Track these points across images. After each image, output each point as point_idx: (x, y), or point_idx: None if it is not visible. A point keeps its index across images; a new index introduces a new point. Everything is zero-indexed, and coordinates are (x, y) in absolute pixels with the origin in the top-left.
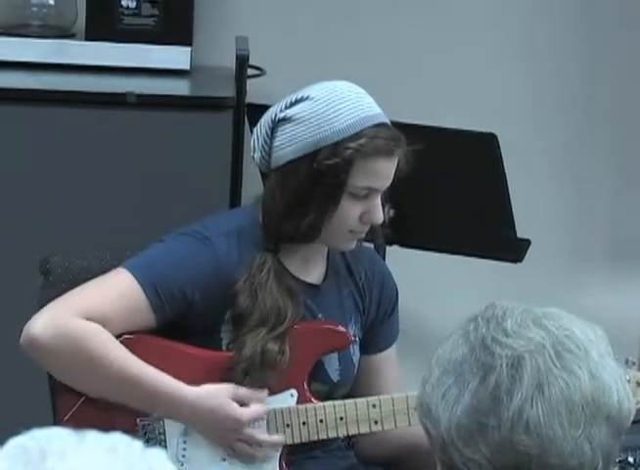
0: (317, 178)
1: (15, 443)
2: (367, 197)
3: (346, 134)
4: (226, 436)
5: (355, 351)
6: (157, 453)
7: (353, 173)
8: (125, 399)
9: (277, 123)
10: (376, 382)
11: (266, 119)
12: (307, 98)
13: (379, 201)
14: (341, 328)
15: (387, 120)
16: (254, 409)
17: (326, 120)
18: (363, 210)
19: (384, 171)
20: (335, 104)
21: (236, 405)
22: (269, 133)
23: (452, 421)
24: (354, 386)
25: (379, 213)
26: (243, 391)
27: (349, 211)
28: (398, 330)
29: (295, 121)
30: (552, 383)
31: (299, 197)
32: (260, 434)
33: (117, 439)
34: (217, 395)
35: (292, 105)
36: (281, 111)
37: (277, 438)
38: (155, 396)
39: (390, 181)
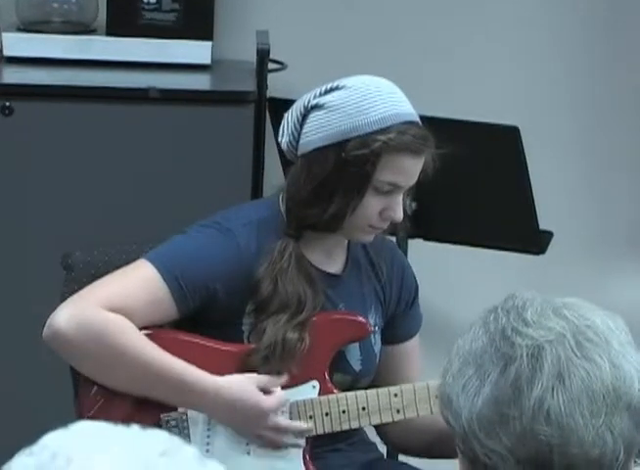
0: (344, 168)
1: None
2: (390, 193)
3: (377, 127)
4: (252, 425)
5: (377, 340)
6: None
7: (380, 167)
8: (150, 391)
9: (309, 110)
10: (398, 372)
11: (299, 105)
12: (343, 87)
13: (400, 199)
14: (361, 318)
15: (418, 120)
16: (277, 396)
17: (358, 111)
18: (384, 205)
19: (409, 169)
20: (369, 96)
21: (261, 394)
22: (300, 119)
23: (473, 412)
24: (377, 376)
25: (399, 211)
26: (264, 378)
27: (371, 206)
28: (421, 321)
29: (327, 109)
30: (573, 372)
31: (324, 185)
32: (284, 420)
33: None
34: (242, 384)
35: (326, 92)
36: (315, 97)
37: (301, 424)
38: (180, 387)
39: (415, 180)
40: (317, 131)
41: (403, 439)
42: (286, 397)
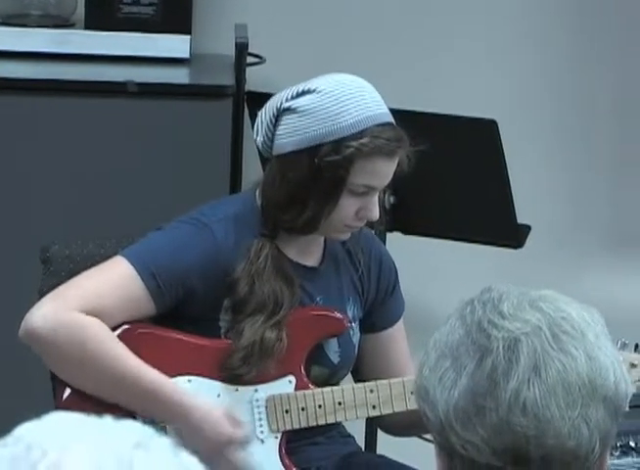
0: (318, 173)
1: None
2: (364, 194)
3: (350, 132)
4: (212, 449)
5: (356, 331)
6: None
7: (353, 171)
8: (119, 397)
9: (282, 112)
10: (387, 358)
11: (271, 106)
12: (314, 91)
13: (376, 198)
14: (337, 314)
15: (392, 120)
16: (243, 434)
17: (330, 116)
18: (360, 206)
19: (383, 171)
20: (341, 100)
21: (228, 425)
22: (273, 121)
23: (450, 404)
24: (366, 364)
25: (375, 210)
26: (235, 416)
27: (346, 207)
28: (403, 306)
29: (299, 113)
30: (548, 364)
31: (299, 190)
32: (243, 458)
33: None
34: (214, 410)
35: (298, 96)
36: (287, 100)
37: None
38: (149, 397)
39: (389, 180)
40: (290, 135)
41: (395, 425)
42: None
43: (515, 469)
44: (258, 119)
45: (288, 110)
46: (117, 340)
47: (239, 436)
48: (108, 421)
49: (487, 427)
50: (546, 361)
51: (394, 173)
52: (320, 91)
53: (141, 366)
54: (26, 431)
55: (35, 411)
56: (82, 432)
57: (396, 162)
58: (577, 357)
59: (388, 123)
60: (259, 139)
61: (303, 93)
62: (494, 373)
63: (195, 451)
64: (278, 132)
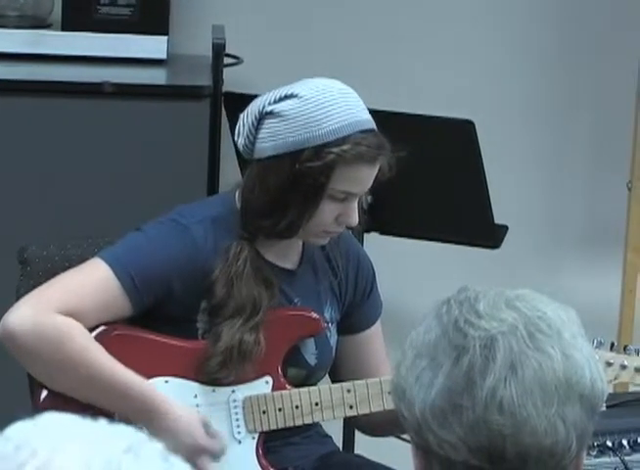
0: (298, 179)
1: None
2: (344, 200)
3: (331, 138)
4: (186, 453)
5: (333, 333)
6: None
7: (334, 178)
8: (96, 399)
9: (264, 116)
10: (365, 359)
11: (253, 109)
12: (296, 95)
13: (355, 204)
14: (313, 314)
15: (374, 127)
16: (216, 444)
17: (312, 122)
18: (340, 212)
19: (364, 178)
20: (322, 106)
21: (204, 433)
22: (255, 124)
23: (427, 403)
24: (343, 366)
25: (354, 216)
26: (211, 426)
27: (326, 213)
28: (380, 308)
29: (281, 118)
30: (525, 363)
31: (279, 195)
32: (212, 469)
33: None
34: (191, 414)
35: (280, 100)
36: (269, 104)
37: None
38: (127, 398)
39: (369, 186)
40: (271, 139)
41: (371, 426)
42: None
43: (491, 467)
44: (240, 122)
45: (270, 114)
46: (94, 341)
47: (214, 447)
48: (101, 424)
49: (464, 425)
50: (522, 360)
51: (375, 179)
52: (302, 96)
53: (117, 368)
54: (16, 431)
55: (15, 412)
56: (74, 434)
57: (377, 168)
58: (554, 356)
59: (370, 130)
60: (241, 141)
61: (286, 97)
62: (471, 372)
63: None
64: (260, 136)
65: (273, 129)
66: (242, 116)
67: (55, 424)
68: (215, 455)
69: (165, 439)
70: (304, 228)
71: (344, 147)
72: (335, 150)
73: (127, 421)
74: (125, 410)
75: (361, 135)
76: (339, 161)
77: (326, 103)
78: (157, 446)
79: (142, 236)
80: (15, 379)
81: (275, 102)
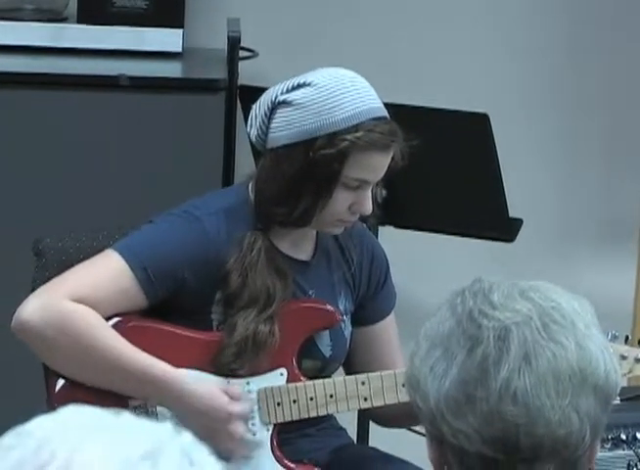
0: (311, 167)
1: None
2: (358, 188)
3: (344, 125)
4: (211, 426)
5: (347, 325)
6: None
7: (347, 165)
8: (113, 383)
9: (277, 105)
10: (379, 351)
11: (266, 99)
12: (309, 84)
13: (369, 193)
14: (328, 307)
15: (386, 114)
16: (245, 407)
17: (325, 110)
18: (353, 200)
19: (377, 165)
20: (336, 94)
21: (227, 398)
22: (267, 114)
23: (441, 393)
24: (358, 357)
25: (368, 205)
26: (234, 388)
27: (340, 202)
28: (394, 299)
29: (294, 106)
30: (539, 353)
31: (293, 184)
32: (246, 432)
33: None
34: (209, 385)
35: (293, 89)
36: (282, 93)
37: (259, 439)
38: (143, 379)
39: (383, 174)
40: (285, 128)
41: (386, 416)
42: (249, 411)
43: (505, 458)
44: (252, 113)
45: (283, 103)
46: (107, 325)
47: (239, 410)
48: (123, 420)
49: (478, 416)
50: (536, 351)
51: (388, 168)
52: (315, 84)
53: (133, 349)
54: (39, 428)
55: (29, 406)
56: (95, 432)
57: (390, 156)
58: (568, 347)
59: (383, 117)
60: (253, 132)
61: (299, 86)
62: (485, 362)
63: (193, 432)
64: (272, 125)
65: (287, 118)
66: (253, 107)
67: (77, 420)
68: (243, 417)
69: (188, 413)
70: (318, 217)
71: (358, 134)
72: (348, 137)
73: (144, 403)
74: (144, 390)
75: (374, 122)
76: (352, 148)
77: (338, 91)
78: (177, 452)
79: (155, 228)
80: (31, 370)
81: (288, 91)
